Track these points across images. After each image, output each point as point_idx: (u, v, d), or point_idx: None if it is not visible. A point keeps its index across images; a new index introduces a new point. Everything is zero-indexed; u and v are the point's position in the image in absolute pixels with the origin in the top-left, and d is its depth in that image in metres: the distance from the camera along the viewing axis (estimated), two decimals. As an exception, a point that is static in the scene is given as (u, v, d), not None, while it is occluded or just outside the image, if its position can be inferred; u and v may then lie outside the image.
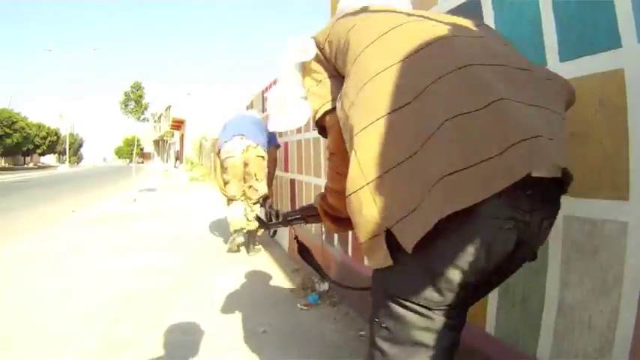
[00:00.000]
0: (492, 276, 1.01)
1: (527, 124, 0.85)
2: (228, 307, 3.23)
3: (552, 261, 1.52)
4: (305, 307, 3.17)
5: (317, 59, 1.25)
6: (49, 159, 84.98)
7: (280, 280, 3.97)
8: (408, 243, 0.86)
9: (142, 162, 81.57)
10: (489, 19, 1.77)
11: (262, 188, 4.72)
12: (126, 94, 14.00)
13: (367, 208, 0.94)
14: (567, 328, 1.46)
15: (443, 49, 0.97)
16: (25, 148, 49.65)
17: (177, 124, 43.81)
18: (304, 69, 1.29)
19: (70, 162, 58.74)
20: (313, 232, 4.33)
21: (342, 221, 1.32)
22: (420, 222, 0.84)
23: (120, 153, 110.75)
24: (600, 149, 1.34)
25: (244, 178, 4.73)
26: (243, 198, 4.82)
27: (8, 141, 40.80)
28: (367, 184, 0.94)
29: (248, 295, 3.52)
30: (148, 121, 15.06)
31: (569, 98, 1.09)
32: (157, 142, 73.39)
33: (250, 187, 4.72)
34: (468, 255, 0.88)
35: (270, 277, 3.98)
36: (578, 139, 1.35)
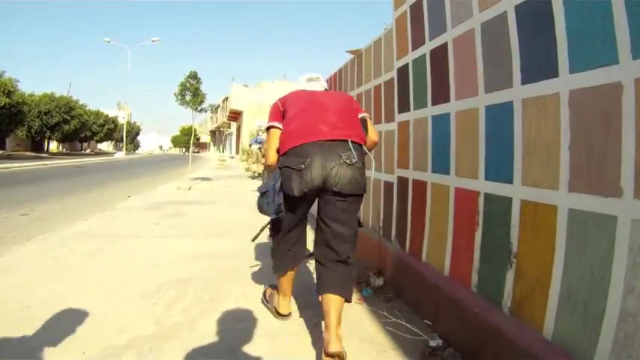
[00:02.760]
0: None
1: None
2: (281, 298, 3.34)
3: (617, 267, 1.53)
4: (359, 301, 3.24)
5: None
6: (106, 146, 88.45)
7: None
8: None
9: (198, 151, 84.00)
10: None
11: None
12: (182, 84, 14.27)
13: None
14: (628, 336, 1.47)
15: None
16: (83, 135, 51.89)
17: (234, 116, 44.76)
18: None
19: (126, 149, 60.92)
20: (370, 227, 4.39)
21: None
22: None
23: (176, 142, 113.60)
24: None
25: (257, 158, 14.75)
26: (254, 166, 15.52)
27: (66, 127, 43.05)
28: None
29: (302, 286, 3.59)
30: (206, 111, 15.33)
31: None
32: (213, 133, 75.31)
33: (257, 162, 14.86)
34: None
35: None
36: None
